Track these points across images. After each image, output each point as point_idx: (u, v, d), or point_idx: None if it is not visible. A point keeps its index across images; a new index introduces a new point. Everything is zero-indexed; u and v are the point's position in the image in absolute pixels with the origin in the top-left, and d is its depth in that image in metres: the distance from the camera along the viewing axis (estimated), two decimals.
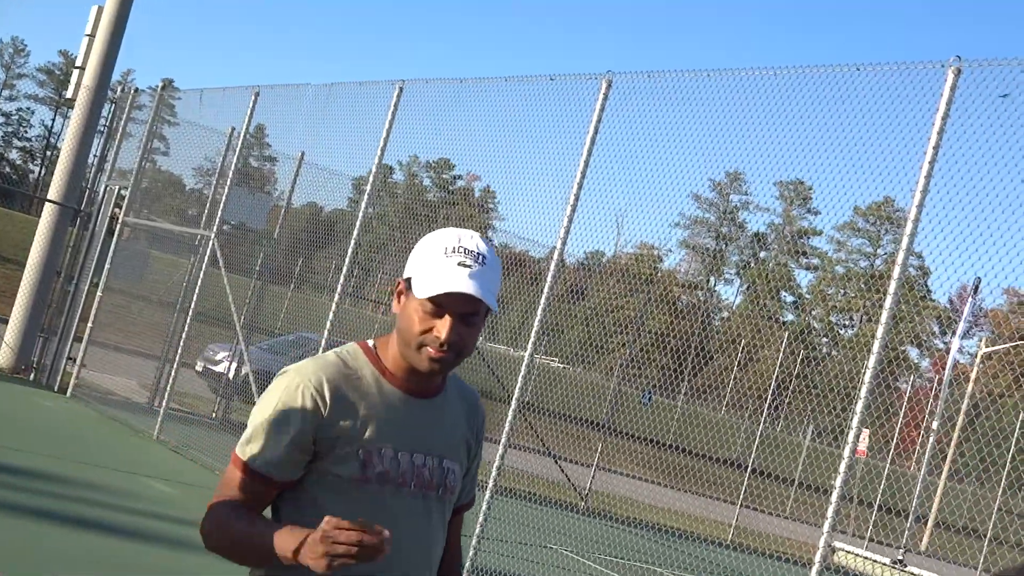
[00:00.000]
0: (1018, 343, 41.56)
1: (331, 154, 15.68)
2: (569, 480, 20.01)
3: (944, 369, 31.83)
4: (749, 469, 23.08)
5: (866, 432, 24.21)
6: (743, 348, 45.64)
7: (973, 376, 36.32)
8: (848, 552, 18.03)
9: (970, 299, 21.08)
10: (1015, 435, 24.77)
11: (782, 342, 30.57)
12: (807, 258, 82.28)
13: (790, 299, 78.37)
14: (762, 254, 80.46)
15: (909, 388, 30.84)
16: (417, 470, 2.77)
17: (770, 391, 24.51)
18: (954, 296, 71.16)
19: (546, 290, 9.40)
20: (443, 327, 2.65)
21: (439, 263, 2.65)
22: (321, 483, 2.70)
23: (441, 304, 2.65)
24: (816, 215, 79.55)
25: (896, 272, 7.30)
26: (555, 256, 9.49)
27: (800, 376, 34.05)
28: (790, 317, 74.19)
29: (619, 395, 24.44)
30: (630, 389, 27.39)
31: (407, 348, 2.72)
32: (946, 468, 32.04)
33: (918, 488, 23.50)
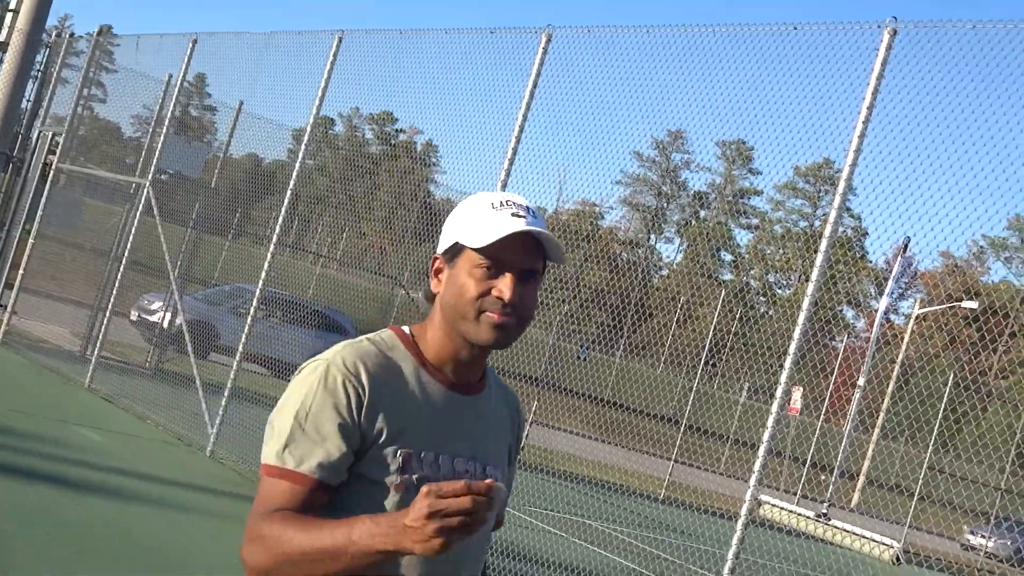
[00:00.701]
0: (950, 305, 42.16)
1: (270, 104, 15.54)
2: None
3: (878, 328, 32.24)
4: (684, 425, 23.32)
5: (798, 390, 24.53)
6: (682, 306, 45.90)
7: (907, 337, 36.86)
8: (774, 506, 18.41)
9: (899, 258, 21.34)
10: (945, 395, 25.17)
11: (720, 300, 30.82)
12: (747, 218, 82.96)
13: (729, 258, 78.98)
14: (702, 213, 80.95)
15: (843, 347, 31.22)
16: (458, 477, 2.41)
17: (706, 348, 24.72)
18: (890, 257, 72.03)
19: None
20: (505, 285, 2.37)
21: (491, 216, 2.39)
22: (353, 488, 2.35)
23: (500, 260, 2.38)
24: (757, 175, 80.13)
25: (828, 231, 7.37)
26: None
27: (737, 334, 34.37)
28: (728, 276, 74.78)
29: (556, 350, 24.54)
30: (568, 345, 27.51)
31: (462, 321, 2.40)
32: (878, 426, 32.57)
33: (843, 444, 23.84)
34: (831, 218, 7.35)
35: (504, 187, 9.39)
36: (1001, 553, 26.07)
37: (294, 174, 12.35)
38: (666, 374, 40.60)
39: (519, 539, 12.44)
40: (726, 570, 7.56)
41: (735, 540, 7.54)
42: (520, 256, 2.39)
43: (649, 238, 79.11)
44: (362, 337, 2.47)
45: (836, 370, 28.09)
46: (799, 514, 18.00)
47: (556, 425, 25.43)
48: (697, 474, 24.63)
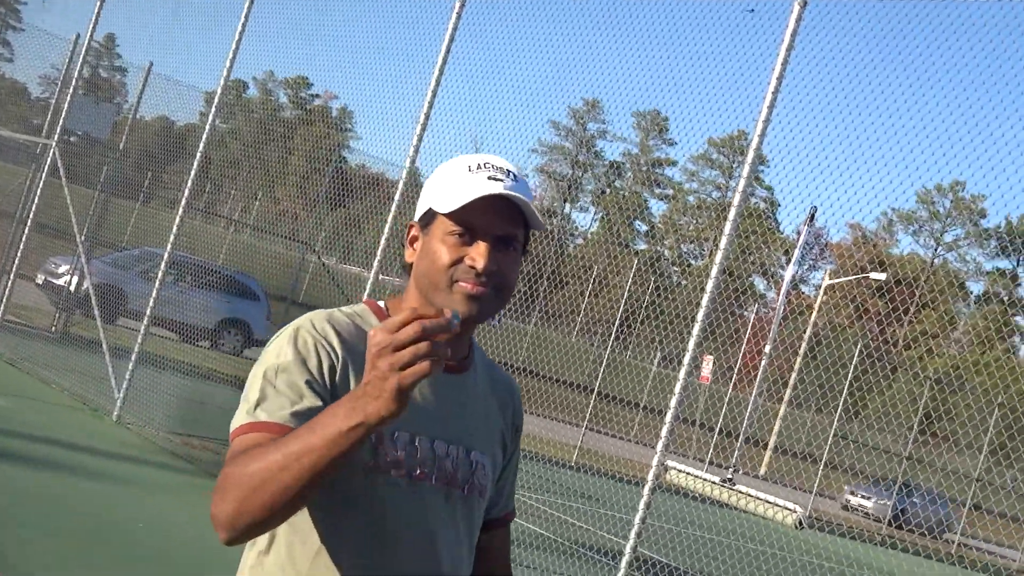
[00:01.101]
0: (859, 276, 42.88)
1: (182, 66, 15.33)
2: None
3: (788, 299, 32.67)
4: (596, 393, 23.47)
5: (709, 359, 24.80)
6: (596, 275, 46.12)
7: (816, 306, 37.44)
8: (680, 471, 18.68)
9: (806, 226, 21.61)
10: (852, 364, 25.62)
11: (633, 269, 31.00)
12: (661, 188, 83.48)
13: (643, 228, 79.50)
14: (617, 183, 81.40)
15: (752, 317, 31.61)
16: (438, 461, 2.26)
17: (619, 317, 24.87)
18: (801, 229, 72.95)
19: (393, 208, 9.34)
20: (478, 253, 2.19)
21: (464, 179, 2.23)
22: None
23: (473, 227, 2.21)
24: (672, 146, 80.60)
25: (736, 200, 7.43)
26: (404, 175, 9.42)
27: (650, 303, 34.57)
28: (643, 246, 75.34)
29: None
30: None
31: (434, 291, 2.23)
32: (787, 395, 33.08)
33: (749, 411, 24.16)
34: (740, 187, 7.40)
35: (416, 153, 9.33)
36: (880, 513, 26.67)
37: (204, 137, 12.18)
38: (580, 342, 40.85)
39: None
40: (632, 535, 7.63)
41: (642, 505, 7.60)
42: (494, 221, 2.23)
43: (564, 207, 79.40)
44: (334, 309, 2.31)
45: (746, 340, 28.45)
46: (705, 479, 18.24)
47: None
48: (608, 441, 24.83)
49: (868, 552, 21.03)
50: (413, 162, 9.39)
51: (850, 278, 44.72)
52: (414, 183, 9.56)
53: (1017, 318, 75.71)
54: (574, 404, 25.94)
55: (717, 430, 27.18)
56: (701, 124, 9.06)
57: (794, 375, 32.89)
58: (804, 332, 35.50)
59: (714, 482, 18.36)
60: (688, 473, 18.26)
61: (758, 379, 24.76)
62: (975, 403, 33.00)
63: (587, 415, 22.93)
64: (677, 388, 7.64)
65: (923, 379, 31.12)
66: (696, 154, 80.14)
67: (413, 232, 2.33)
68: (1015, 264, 78.68)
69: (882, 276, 37.29)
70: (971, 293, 77.08)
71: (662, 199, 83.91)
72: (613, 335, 23.89)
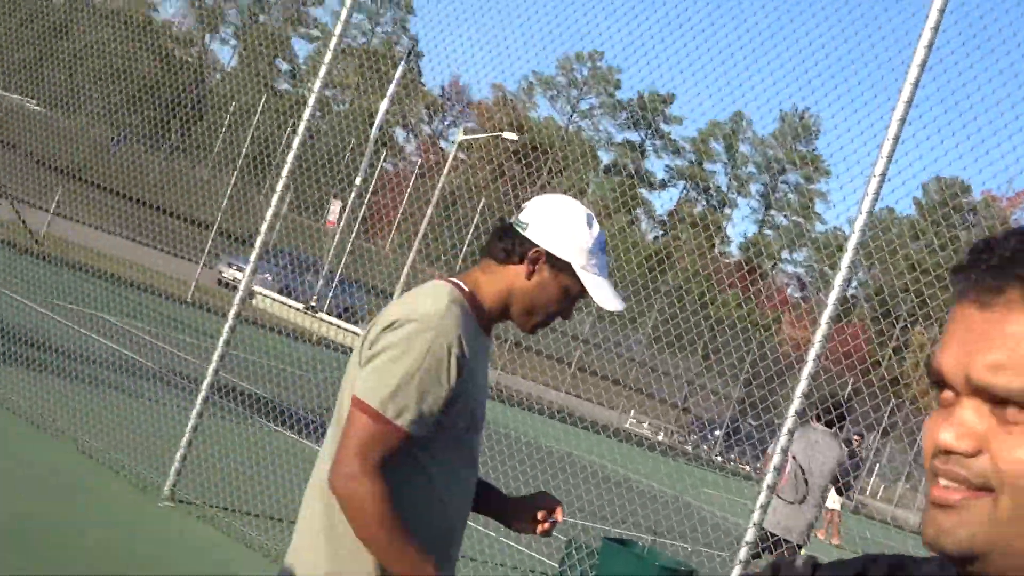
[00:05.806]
0: (492, 135, 43.88)
1: None
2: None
3: (427, 154, 33.08)
4: (217, 228, 23.26)
5: (337, 203, 24.97)
6: (234, 110, 45.16)
7: (449, 162, 38.11)
8: (266, 296, 18.90)
9: (403, 63, 21.69)
10: (475, 222, 26.28)
11: (260, 107, 30.62)
12: (307, 28, 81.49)
13: (286, 67, 77.99)
14: (262, 18, 79.26)
15: (379, 169, 32.00)
16: (481, 419, 2.74)
17: (244, 152, 24.59)
18: (446, 85, 73.80)
19: None
20: (571, 311, 2.77)
21: (599, 264, 2.72)
22: (436, 435, 2.58)
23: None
24: None
25: (338, 30, 7.45)
26: None
27: (292, 145, 34.28)
28: (286, 86, 74.04)
29: (97, 144, 23.57)
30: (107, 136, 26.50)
31: (526, 313, 2.73)
32: (415, 245, 33.82)
33: (332, 247, 24.32)
34: (342, 15, 7.42)
35: None
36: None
37: None
38: (213, 178, 40.03)
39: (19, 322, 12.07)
40: (215, 358, 7.72)
41: (226, 329, 7.72)
42: None
43: (205, 38, 76.70)
44: (447, 298, 2.58)
45: (370, 190, 28.72)
46: (290, 306, 18.52)
47: (82, 219, 24.59)
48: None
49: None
50: None
51: (483, 136, 45.65)
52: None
53: (641, 190, 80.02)
54: (196, 240, 25.56)
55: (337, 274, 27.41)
56: None
57: (423, 227, 33.60)
58: (437, 185, 36.22)
59: (298, 308, 18.67)
60: (273, 299, 18.47)
61: (345, 218, 24.73)
62: None
63: (206, 252, 22.73)
64: (268, 214, 7.77)
65: None
66: None
67: (536, 256, 2.70)
68: (643, 137, 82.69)
69: (514, 136, 38.13)
70: (601, 162, 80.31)
71: (309, 40, 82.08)
72: (237, 170, 23.64)
